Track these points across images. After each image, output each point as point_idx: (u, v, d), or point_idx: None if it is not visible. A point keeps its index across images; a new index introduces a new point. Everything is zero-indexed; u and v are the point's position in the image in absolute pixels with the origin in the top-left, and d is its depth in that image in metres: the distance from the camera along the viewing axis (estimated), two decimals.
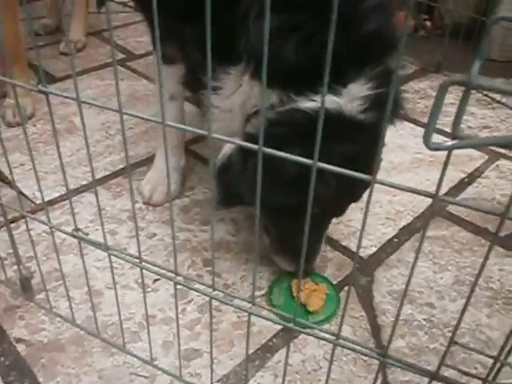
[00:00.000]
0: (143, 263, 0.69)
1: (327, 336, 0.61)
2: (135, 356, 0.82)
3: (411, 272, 0.49)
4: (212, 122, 0.93)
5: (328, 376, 0.62)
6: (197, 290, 0.68)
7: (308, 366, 0.84)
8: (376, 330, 0.91)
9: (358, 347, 0.60)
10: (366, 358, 0.85)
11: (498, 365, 0.53)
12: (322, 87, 0.42)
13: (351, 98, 0.77)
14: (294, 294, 0.94)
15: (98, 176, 1.25)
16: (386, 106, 0.41)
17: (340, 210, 0.92)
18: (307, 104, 0.76)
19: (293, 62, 0.74)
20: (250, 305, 0.63)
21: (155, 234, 1.09)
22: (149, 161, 1.28)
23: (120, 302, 0.93)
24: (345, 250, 1.08)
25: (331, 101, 0.75)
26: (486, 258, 0.44)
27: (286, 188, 0.78)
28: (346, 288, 0.99)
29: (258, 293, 0.97)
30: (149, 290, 0.96)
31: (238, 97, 0.84)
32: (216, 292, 0.65)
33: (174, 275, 0.68)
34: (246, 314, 0.92)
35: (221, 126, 0.89)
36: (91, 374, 0.81)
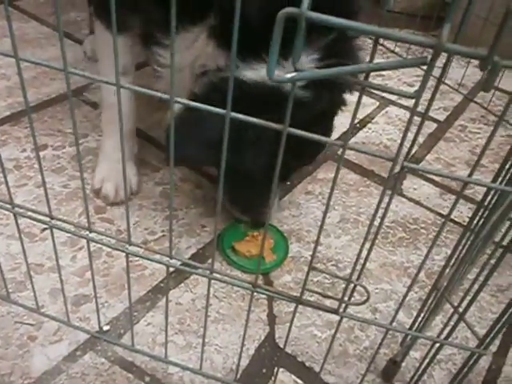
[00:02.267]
0: (16, 208, 0.67)
1: (204, 272, 0.64)
2: (20, 305, 0.81)
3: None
4: (161, 81, 0.89)
5: (207, 307, 0.65)
6: (74, 234, 0.68)
7: (198, 304, 0.87)
8: None
9: (230, 279, 0.63)
10: (254, 294, 0.89)
11: (352, 286, 0.58)
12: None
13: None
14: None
15: None
16: (331, 84, 0.39)
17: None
18: (245, 72, 0.74)
19: (255, 23, 0.66)
20: (127, 245, 0.63)
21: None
22: (39, 107, 1.22)
23: (6, 253, 0.91)
24: None
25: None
26: None
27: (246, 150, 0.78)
28: None
29: (151, 237, 0.98)
30: (36, 238, 0.94)
31: (189, 55, 0.80)
32: (93, 234, 0.65)
33: (49, 219, 0.67)
34: (137, 258, 0.93)
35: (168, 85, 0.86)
36: None
